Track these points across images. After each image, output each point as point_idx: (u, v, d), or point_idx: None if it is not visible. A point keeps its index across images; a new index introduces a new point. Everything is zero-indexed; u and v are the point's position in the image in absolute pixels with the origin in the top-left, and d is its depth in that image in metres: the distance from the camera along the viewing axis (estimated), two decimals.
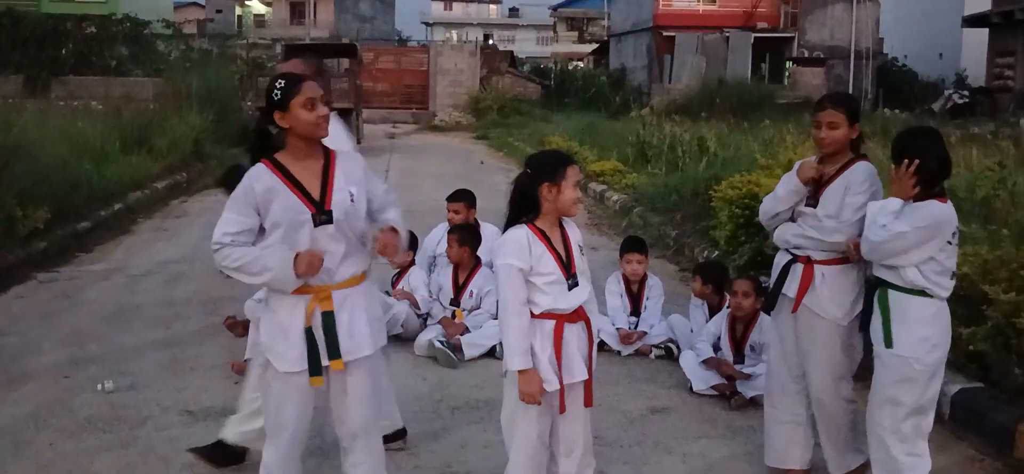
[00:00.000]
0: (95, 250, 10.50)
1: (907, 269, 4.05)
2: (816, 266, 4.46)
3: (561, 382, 3.75)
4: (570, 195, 3.72)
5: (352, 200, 3.68)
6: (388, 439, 4.61)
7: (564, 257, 3.77)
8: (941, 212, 4.03)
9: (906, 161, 4.04)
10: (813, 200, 4.44)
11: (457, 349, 6.59)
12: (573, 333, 3.79)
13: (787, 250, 4.61)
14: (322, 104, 3.65)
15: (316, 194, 3.64)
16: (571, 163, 3.78)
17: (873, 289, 4.22)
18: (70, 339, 7.03)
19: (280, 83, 3.66)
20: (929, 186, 4.04)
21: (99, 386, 5.90)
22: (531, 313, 3.75)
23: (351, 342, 3.71)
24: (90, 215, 11.43)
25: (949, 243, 4.04)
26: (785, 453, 4.78)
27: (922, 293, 4.05)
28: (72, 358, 6.55)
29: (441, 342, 6.59)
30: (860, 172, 4.38)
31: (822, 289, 4.44)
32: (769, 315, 4.76)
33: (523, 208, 3.76)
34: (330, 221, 3.64)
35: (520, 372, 3.69)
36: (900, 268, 4.07)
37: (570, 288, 3.76)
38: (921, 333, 4.06)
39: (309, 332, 3.64)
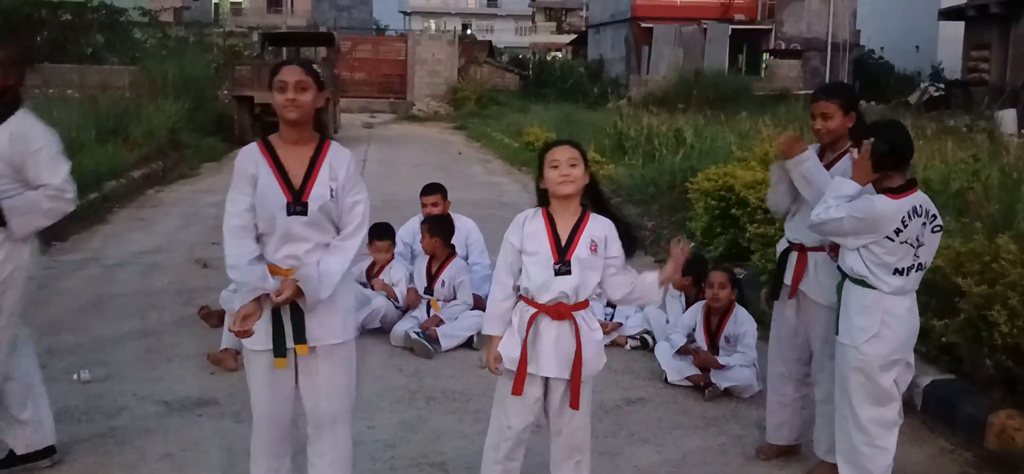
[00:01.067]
0: (70, 239, 10.40)
1: (848, 254, 4.11)
2: (809, 254, 4.58)
3: (523, 368, 3.79)
4: (550, 175, 3.78)
5: (332, 195, 3.68)
6: (32, 457, 4.60)
7: (563, 242, 3.78)
8: (882, 208, 3.98)
9: (863, 143, 4.04)
10: None
11: (433, 340, 6.60)
12: (551, 329, 3.80)
13: (786, 238, 4.74)
14: (297, 91, 3.63)
15: (297, 183, 3.65)
16: (552, 146, 3.86)
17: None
18: (45, 329, 6.95)
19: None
20: (880, 169, 4.00)
21: (74, 376, 5.87)
22: (520, 294, 3.83)
23: (320, 329, 3.73)
24: None
25: (890, 240, 3.98)
26: (775, 432, 4.97)
27: (863, 283, 4.07)
28: (47, 348, 6.48)
29: (417, 333, 6.59)
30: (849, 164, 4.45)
31: (816, 276, 4.56)
32: (775, 300, 4.84)
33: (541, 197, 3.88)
34: (305, 212, 3.64)
35: (488, 337, 3.95)
36: (844, 252, 4.14)
37: (558, 273, 3.77)
38: (858, 322, 4.08)
39: (276, 313, 3.66)
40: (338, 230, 3.75)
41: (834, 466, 4.44)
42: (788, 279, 4.67)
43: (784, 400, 4.89)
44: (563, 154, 3.77)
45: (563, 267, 3.75)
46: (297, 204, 3.63)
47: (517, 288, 3.86)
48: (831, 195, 4.11)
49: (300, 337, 3.69)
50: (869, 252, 4.03)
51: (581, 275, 3.78)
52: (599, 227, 3.84)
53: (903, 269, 4.03)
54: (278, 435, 3.88)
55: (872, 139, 4.02)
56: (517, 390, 3.82)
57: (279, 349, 3.69)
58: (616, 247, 3.88)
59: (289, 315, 3.67)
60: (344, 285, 3.81)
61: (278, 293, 3.59)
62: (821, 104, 4.49)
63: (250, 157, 3.69)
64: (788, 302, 4.74)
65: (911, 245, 4.01)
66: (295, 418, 3.94)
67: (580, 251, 3.78)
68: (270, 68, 3.73)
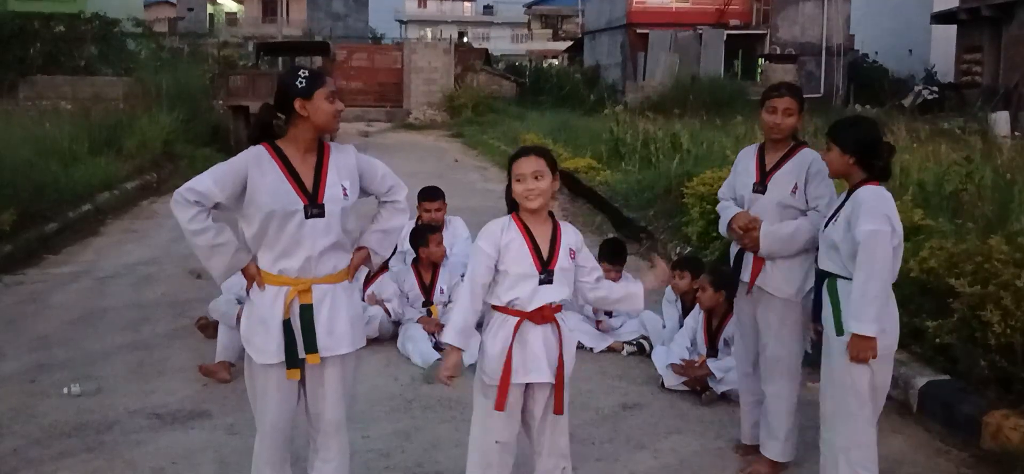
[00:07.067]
0: (63, 252, 10.37)
1: (850, 259, 4.02)
2: None
3: (507, 380, 3.75)
4: (516, 189, 3.75)
5: (345, 194, 3.70)
6: None
7: (545, 253, 3.76)
8: (884, 192, 4.02)
9: (829, 154, 4.13)
10: (761, 187, 4.61)
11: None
12: (537, 334, 3.78)
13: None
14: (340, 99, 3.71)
15: (309, 186, 3.66)
16: (517, 157, 3.81)
17: (821, 280, 4.22)
18: (36, 344, 6.94)
19: (305, 73, 3.68)
20: (863, 163, 4.05)
21: (65, 390, 5.83)
22: (494, 305, 3.78)
23: (330, 339, 3.73)
24: (57, 217, 11.29)
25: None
26: (751, 432, 4.99)
27: None
28: (38, 363, 6.47)
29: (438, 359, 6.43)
30: (815, 161, 4.50)
31: (773, 270, 4.60)
32: (734, 298, 4.90)
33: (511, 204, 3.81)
34: (322, 214, 3.65)
35: (448, 345, 3.83)
36: (844, 258, 4.04)
37: (541, 283, 3.75)
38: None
39: (287, 324, 3.66)
40: (350, 237, 3.79)
41: (774, 463, 4.64)
42: (746, 276, 4.69)
43: (758, 398, 4.87)
44: (527, 167, 3.73)
45: (546, 277, 3.75)
46: (314, 206, 3.64)
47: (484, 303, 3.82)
48: (828, 236, 4.12)
49: (311, 347, 3.69)
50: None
51: (563, 284, 3.79)
52: (573, 235, 3.88)
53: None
54: (282, 443, 3.90)
55: (836, 147, 4.09)
56: (501, 405, 3.78)
57: (292, 361, 3.69)
58: (587, 253, 3.91)
59: (300, 326, 3.67)
60: (351, 294, 3.83)
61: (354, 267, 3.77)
62: (785, 100, 4.54)
63: (255, 160, 3.64)
64: (746, 298, 4.76)
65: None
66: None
67: (562, 261, 3.78)
68: (310, 76, 3.65)
